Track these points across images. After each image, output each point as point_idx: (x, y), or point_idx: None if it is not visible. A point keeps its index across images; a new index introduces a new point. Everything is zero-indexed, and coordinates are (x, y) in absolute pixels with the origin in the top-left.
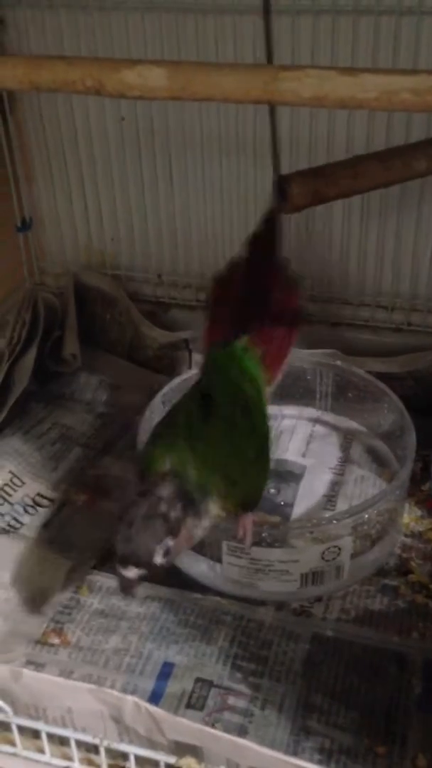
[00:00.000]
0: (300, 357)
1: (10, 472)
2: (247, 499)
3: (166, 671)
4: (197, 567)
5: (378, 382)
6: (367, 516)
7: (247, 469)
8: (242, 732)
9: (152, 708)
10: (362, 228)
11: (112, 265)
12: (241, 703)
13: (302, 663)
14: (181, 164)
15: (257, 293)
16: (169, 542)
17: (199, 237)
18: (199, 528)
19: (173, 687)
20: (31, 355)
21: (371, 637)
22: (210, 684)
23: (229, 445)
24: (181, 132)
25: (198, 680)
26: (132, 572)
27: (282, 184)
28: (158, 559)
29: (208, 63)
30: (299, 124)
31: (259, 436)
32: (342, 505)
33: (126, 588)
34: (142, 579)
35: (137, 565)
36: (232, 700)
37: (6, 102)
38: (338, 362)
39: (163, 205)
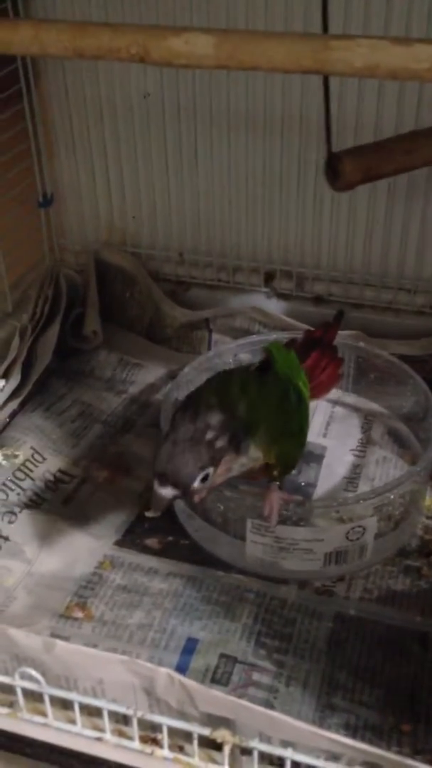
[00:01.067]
0: None
1: (32, 447)
2: (282, 461)
3: (190, 647)
4: (219, 544)
5: (402, 364)
6: (392, 496)
7: (287, 436)
8: (268, 707)
9: (185, 680)
10: (388, 209)
11: (132, 243)
12: (266, 679)
13: (326, 641)
14: (207, 142)
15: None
16: (209, 470)
17: (222, 216)
18: (236, 464)
19: (197, 662)
20: (54, 331)
21: (394, 617)
22: (234, 660)
23: (277, 410)
24: (208, 109)
25: (222, 656)
26: (168, 491)
27: (333, 161)
28: (196, 484)
29: (256, 31)
30: (345, 103)
31: (303, 417)
32: (364, 487)
33: (158, 505)
34: (175, 499)
35: (174, 485)
36: (256, 676)
37: (30, 75)
38: (361, 344)
39: (187, 183)
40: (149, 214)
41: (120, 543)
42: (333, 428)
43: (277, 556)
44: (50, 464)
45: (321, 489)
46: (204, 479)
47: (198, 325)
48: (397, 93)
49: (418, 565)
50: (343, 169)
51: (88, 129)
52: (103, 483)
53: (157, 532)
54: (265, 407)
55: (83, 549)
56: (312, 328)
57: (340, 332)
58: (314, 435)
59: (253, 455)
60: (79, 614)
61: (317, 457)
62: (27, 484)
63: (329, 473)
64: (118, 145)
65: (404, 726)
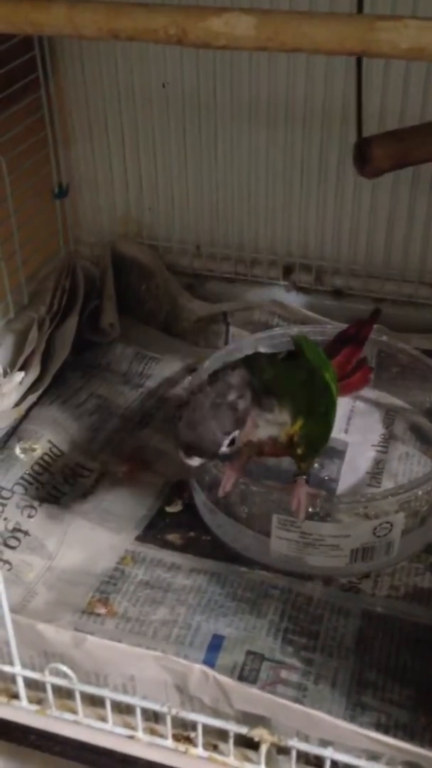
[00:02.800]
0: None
1: (49, 441)
2: (307, 439)
3: (216, 643)
4: (243, 540)
5: (426, 358)
6: (420, 492)
7: (314, 414)
8: None
9: (221, 677)
10: (410, 202)
11: (149, 235)
12: (294, 677)
13: (354, 639)
14: (227, 132)
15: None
16: (235, 432)
17: (241, 208)
18: (262, 420)
19: (224, 659)
20: (72, 322)
21: (422, 615)
22: (262, 657)
23: (304, 387)
24: (228, 99)
25: (249, 653)
26: (195, 461)
27: (363, 147)
28: (223, 449)
29: (299, 12)
30: (371, 91)
31: (330, 403)
32: (387, 483)
33: (189, 472)
34: (203, 465)
35: (200, 454)
36: (284, 674)
37: (48, 64)
38: (383, 337)
39: (205, 174)
40: (166, 206)
41: (141, 538)
42: (354, 423)
43: (303, 551)
44: (68, 458)
45: (344, 484)
46: (231, 443)
47: (215, 318)
48: (424, 80)
49: None
50: (373, 154)
51: (106, 118)
52: (123, 477)
53: (178, 527)
54: (292, 382)
55: (104, 544)
56: (341, 325)
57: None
58: (336, 430)
59: (279, 417)
60: (102, 610)
61: (339, 453)
62: (45, 478)
63: (351, 469)
64: (136, 136)
65: None
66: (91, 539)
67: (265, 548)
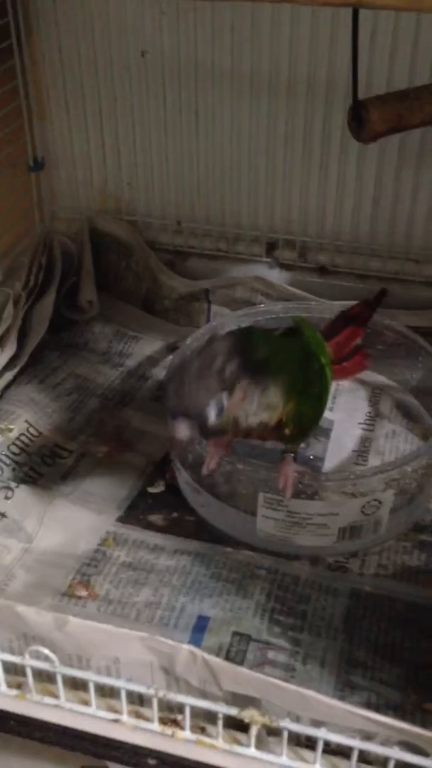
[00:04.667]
0: (328, 308)
1: (26, 421)
2: (297, 421)
3: (201, 625)
4: (228, 520)
5: (414, 335)
6: (409, 469)
7: (306, 397)
8: None
9: (209, 657)
10: (396, 177)
11: (128, 210)
12: (282, 658)
13: (342, 618)
14: (208, 104)
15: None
16: (223, 399)
17: (223, 183)
18: (253, 394)
19: (210, 641)
20: (50, 299)
21: (410, 593)
22: (248, 638)
23: (299, 368)
24: (209, 69)
25: (235, 634)
26: (183, 433)
27: (359, 110)
28: (211, 418)
29: None
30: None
31: (324, 388)
32: (374, 460)
33: (176, 446)
34: (193, 438)
35: (191, 425)
36: (272, 655)
37: (22, 30)
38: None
39: (185, 148)
40: (146, 180)
41: (123, 519)
42: (340, 402)
43: (289, 531)
44: (46, 438)
45: (330, 463)
46: (219, 411)
47: (197, 296)
48: (411, 46)
49: None
50: (370, 117)
51: (83, 89)
52: (103, 458)
53: (161, 508)
54: (286, 360)
55: (85, 525)
56: (325, 302)
57: (345, 302)
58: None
59: (272, 399)
60: (83, 592)
61: (325, 431)
62: (23, 458)
63: (338, 447)
64: (114, 107)
65: (427, 705)
66: (71, 520)
67: (251, 528)
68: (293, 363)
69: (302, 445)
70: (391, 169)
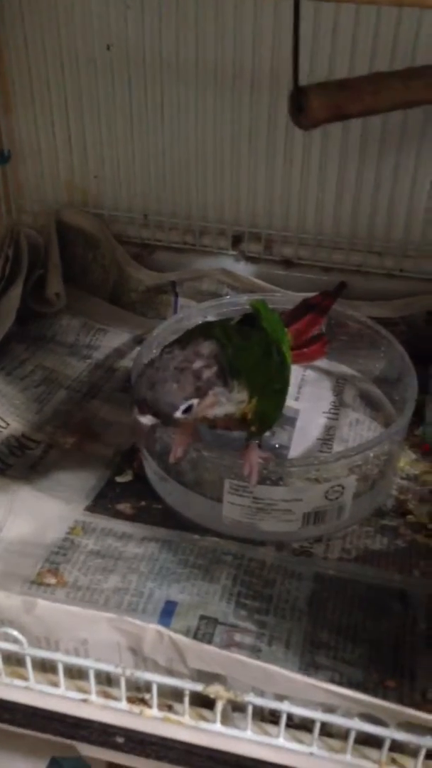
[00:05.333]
0: (292, 300)
1: None
2: (260, 417)
3: (169, 609)
4: (195, 508)
5: (376, 325)
6: (371, 455)
7: (269, 392)
8: None
9: (176, 636)
10: (358, 171)
11: (94, 203)
12: (248, 640)
13: (307, 601)
14: (174, 97)
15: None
16: (194, 401)
17: (189, 176)
18: (223, 399)
19: (177, 624)
20: (17, 292)
21: (373, 576)
22: (215, 621)
23: (260, 363)
24: (174, 62)
25: (203, 618)
26: (147, 419)
27: (299, 96)
28: (178, 414)
29: None
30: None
31: (284, 378)
32: (338, 448)
33: (139, 433)
34: (155, 427)
35: (155, 414)
36: (238, 637)
37: None
38: (333, 306)
39: (151, 141)
40: (112, 173)
41: (91, 508)
42: (305, 391)
43: (255, 517)
44: (14, 429)
45: (295, 451)
46: (187, 410)
47: (164, 288)
48: (351, 35)
49: (394, 524)
50: (310, 104)
51: (48, 81)
52: (71, 449)
53: (129, 496)
54: (248, 356)
55: (53, 515)
56: (290, 293)
57: (309, 294)
58: (287, 398)
59: (238, 396)
60: (52, 580)
61: (290, 420)
62: None
63: (302, 435)
64: (80, 100)
65: (389, 682)
66: (39, 510)
67: (217, 515)
68: (255, 360)
69: (267, 434)
70: (353, 164)
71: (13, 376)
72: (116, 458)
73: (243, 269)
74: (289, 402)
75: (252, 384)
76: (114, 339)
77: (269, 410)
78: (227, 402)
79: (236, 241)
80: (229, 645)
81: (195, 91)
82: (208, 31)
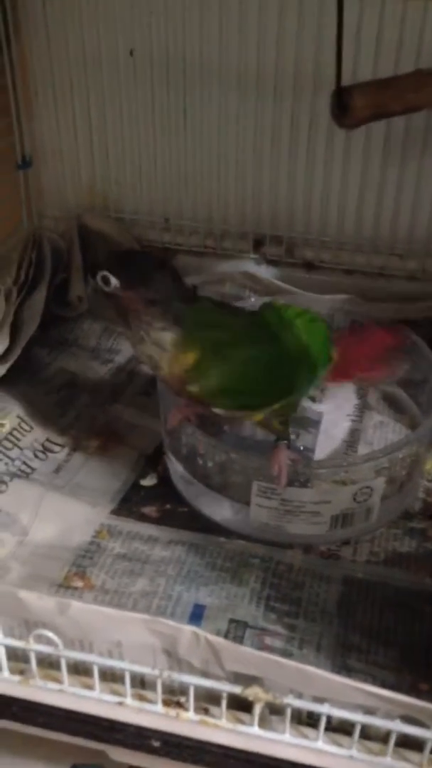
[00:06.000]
0: (317, 301)
1: (18, 416)
2: (209, 383)
3: (197, 613)
4: (221, 510)
5: (402, 327)
6: (400, 456)
7: (231, 360)
8: None
9: (212, 637)
10: (381, 173)
11: (115, 208)
12: (279, 644)
13: (336, 604)
14: (196, 102)
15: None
16: (115, 281)
17: (210, 180)
18: (154, 322)
19: (207, 628)
20: (41, 294)
21: (402, 579)
22: (245, 625)
23: (226, 332)
24: (198, 66)
25: (232, 621)
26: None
27: (343, 96)
28: (104, 273)
29: None
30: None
31: (267, 360)
32: (363, 450)
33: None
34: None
35: (105, 282)
36: (269, 641)
37: (11, 27)
38: (356, 307)
39: (173, 145)
40: (133, 178)
41: (116, 512)
42: (328, 394)
43: (282, 519)
44: (38, 433)
45: (320, 453)
46: (106, 280)
47: None
48: (396, 41)
49: (422, 527)
50: (354, 104)
51: (71, 87)
52: (95, 452)
53: (154, 500)
54: (210, 318)
55: (79, 518)
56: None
57: (333, 296)
58: (310, 400)
59: (159, 334)
60: (79, 583)
61: (314, 423)
62: (15, 453)
63: (327, 438)
64: (102, 105)
65: (422, 685)
66: (65, 513)
67: (244, 518)
68: (218, 326)
69: (292, 437)
70: (375, 166)
71: (36, 379)
72: (140, 461)
73: (264, 272)
74: (313, 404)
75: (193, 338)
76: None
77: (227, 380)
78: (146, 326)
79: (257, 244)
80: (259, 649)
81: (218, 95)
82: (231, 37)
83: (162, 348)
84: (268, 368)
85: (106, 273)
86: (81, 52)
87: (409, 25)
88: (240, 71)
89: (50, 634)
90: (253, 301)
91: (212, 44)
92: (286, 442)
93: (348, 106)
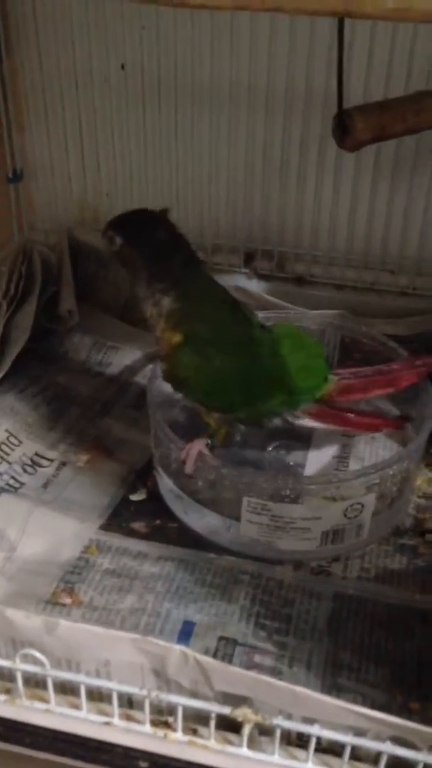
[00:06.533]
0: (307, 317)
1: (7, 430)
2: (175, 364)
3: (187, 630)
4: (210, 526)
5: (391, 342)
6: (391, 472)
7: (207, 355)
8: None
9: (201, 657)
10: (372, 189)
11: (106, 221)
12: (268, 662)
13: (327, 621)
14: (187, 116)
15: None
16: (119, 239)
17: (201, 194)
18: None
19: (196, 646)
20: (30, 308)
21: (393, 596)
22: (234, 642)
23: (200, 314)
24: (189, 81)
25: (221, 639)
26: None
27: (344, 118)
28: (111, 247)
29: None
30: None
31: (226, 353)
32: (355, 466)
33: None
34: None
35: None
36: (258, 659)
37: (2, 42)
38: (347, 323)
39: (164, 159)
40: (124, 192)
41: (105, 527)
42: None
43: (273, 536)
44: (27, 447)
45: (310, 469)
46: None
47: None
48: (407, 61)
49: (413, 543)
50: (355, 126)
51: (62, 101)
52: (84, 466)
53: (143, 515)
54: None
55: (67, 533)
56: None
57: (323, 312)
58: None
59: (145, 291)
60: (67, 600)
61: (305, 438)
62: (3, 467)
63: (318, 453)
64: (93, 119)
65: (413, 704)
66: (53, 529)
67: (234, 533)
68: (206, 320)
69: (282, 452)
70: (366, 181)
71: (25, 393)
72: (130, 476)
73: (255, 287)
74: (304, 420)
75: (183, 320)
76: (126, 356)
77: (197, 373)
78: (147, 285)
79: (248, 258)
80: (249, 667)
81: (209, 110)
82: (223, 51)
83: (159, 311)
84: (237, 378)
85: (111, 232)
86: (72, 65)
87: (399, 47)
88: (232, 87)
89: (37, 654)
90: None
91: (204, 59)
92: (209, 441)
93: (349, 128)
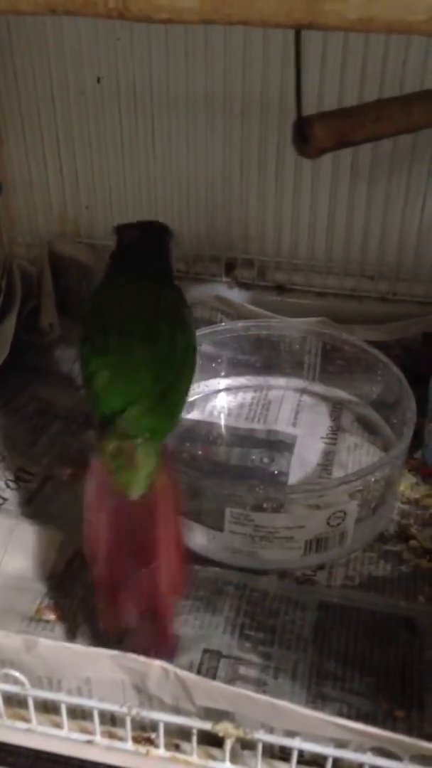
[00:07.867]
0: (289, 325)
1: None
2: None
3: None
4: (195, 538)
5: (371, 349)
6: (373, 479)
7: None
8: None
9: (182, 672)
10: (350, 196)
11: (87, 234)
12: (253, 673)
13: (312, 630)
14: (164, 127)
15: None
16: None
17: (180, 204)
18: None
19: (180, 659)
20: (11, 323)
21: (378, 603)
22: (219, 654)
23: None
24: (165, 93)
25: (206, 651)
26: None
27: (303, 126)
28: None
29: None
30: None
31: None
32: (338, 473)
33: None
34: None
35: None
36: (243, 670)
37: None
38: (327, 329)
39: (143, 170)
40: (104, 204)
41: None
42: (302, 417)
43: (256, 545)
44: (9, 463)
45: (294, 477)
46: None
47: None
48: (360, 67)
49: (397, 549)
50: (314, 134)
51: (39, 114)
52: (68, 480)
53: None
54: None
55: (51, 549)
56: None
57: (305, 319)
58: (284, 424)
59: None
60: (51, 616)
61: (288, 446)
62: None
63: (301, 461)
64: (71, 132)
65: (397, 712)
66: (37, 544)
67: (218, 544)
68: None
69: (265, 460)
70: (344, 188)
71: (7, 408)
72: None
73: (237, 296)
74: (287, 428)
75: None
76: None
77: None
78: None
79: (229, 267)
80: (234, 679)
81: (186, 120)
82: (198, 61)
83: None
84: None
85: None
86: (48, 79)
87: (372, 54)
88: (207, 97)
89: (16, 674)
90: (224, 326)
91: (179, 70)
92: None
93: (309, 135)
